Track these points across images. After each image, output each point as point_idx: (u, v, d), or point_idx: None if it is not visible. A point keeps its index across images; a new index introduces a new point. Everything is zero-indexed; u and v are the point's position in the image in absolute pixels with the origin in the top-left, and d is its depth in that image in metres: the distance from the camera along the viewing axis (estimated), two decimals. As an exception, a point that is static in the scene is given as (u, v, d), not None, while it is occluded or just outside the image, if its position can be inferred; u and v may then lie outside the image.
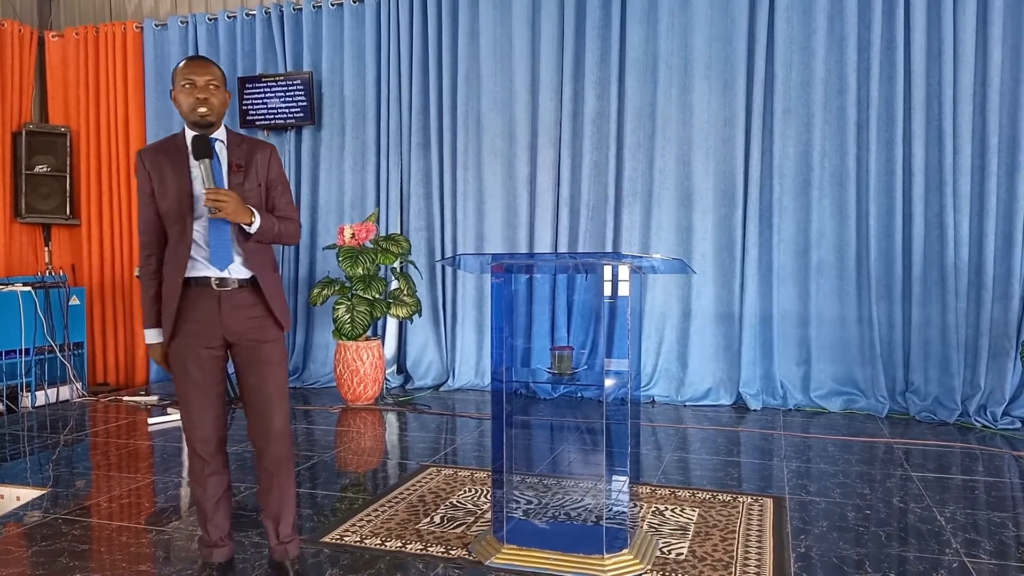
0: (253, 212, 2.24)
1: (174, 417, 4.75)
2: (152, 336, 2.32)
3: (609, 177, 5.29)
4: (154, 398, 5.44)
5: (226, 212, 2.17)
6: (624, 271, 2.55)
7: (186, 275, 2.24)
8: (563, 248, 5.37)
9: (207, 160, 2.20)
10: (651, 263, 3.13)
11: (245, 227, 2.25)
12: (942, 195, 4.69)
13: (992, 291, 4.61)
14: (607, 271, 2.59)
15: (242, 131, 6.07)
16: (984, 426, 4.50)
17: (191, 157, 2.23)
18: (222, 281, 2.26)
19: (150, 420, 4.72)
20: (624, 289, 2.56)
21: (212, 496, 2.36)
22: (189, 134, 2.27)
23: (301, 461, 3.82)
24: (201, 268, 2.25)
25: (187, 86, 2.21)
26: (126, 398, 5.52)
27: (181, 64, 2.26)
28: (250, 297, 2.29)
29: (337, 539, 2.76)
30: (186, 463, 3.92)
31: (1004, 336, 4.59)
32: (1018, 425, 4.49)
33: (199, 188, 2.22)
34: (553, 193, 5.44)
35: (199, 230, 2.23)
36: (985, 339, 4.62)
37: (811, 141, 4.95)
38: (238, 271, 2.27)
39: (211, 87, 2.23)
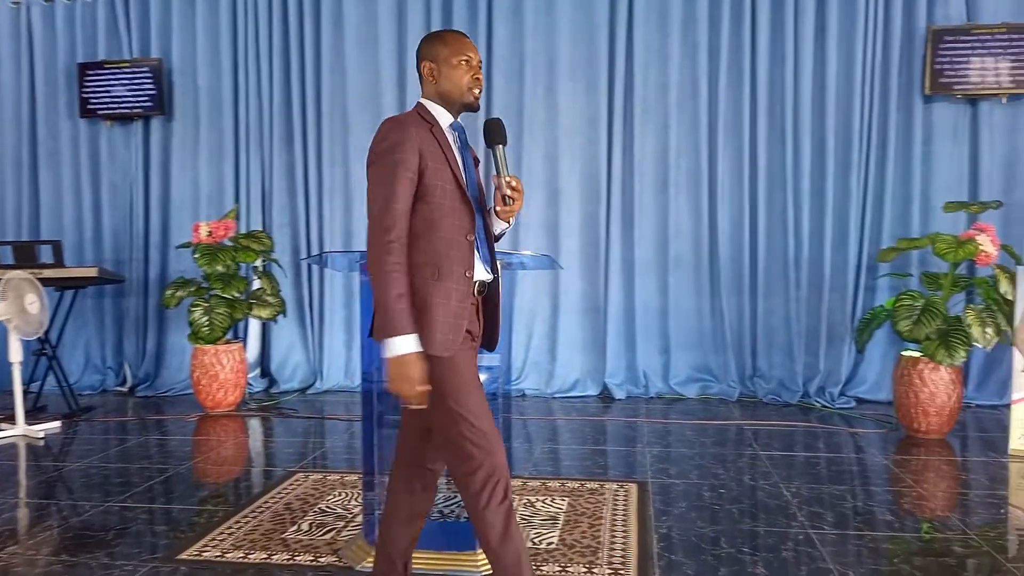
0: None
1: (10, 433, 4.33)
2: (411, 344, 1.74)
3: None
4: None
5: (519, 205, 1.98)
6: (492, 267, 2.55)
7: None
8: (433, 245, 5.33)
9: (501, 146, 2.00)
10: (520, 259, 3.17)
11: (503, 224, 2.07)
12: (785, 193, 5.04)
13: (830, 281, 5.01)
14: (475, 268, 2.58)
15: (82, 121, 5.65)
16: (824, 406, 4.88)
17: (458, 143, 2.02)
18: (489, 284, 2.00)
19: (-21, 438, 4.28)
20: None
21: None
22: (442, 114, 1.97)
23: (153, 475, 3.59)
24: (478, 268, 1.95)
25: (465, 63, 1.92)
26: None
27: (449, 36, 1.95)
28: (491, 302, 2.05)
29: (195, 555, 2.62)
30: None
31: (840, 323, 5.00)
32: (854, 404, 4.91)
33: (465, 177, 1.99)
34: (421, 190, 5.39)
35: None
36: (823, 326, 5.01)
37: (668, 142, 5.17)
38: (490, 273, 2.01)
39: (480, 68, 1.97)
